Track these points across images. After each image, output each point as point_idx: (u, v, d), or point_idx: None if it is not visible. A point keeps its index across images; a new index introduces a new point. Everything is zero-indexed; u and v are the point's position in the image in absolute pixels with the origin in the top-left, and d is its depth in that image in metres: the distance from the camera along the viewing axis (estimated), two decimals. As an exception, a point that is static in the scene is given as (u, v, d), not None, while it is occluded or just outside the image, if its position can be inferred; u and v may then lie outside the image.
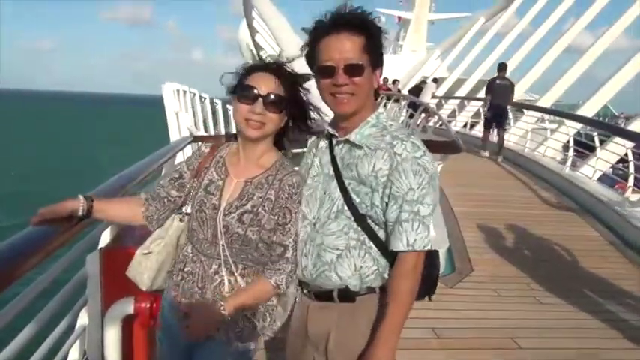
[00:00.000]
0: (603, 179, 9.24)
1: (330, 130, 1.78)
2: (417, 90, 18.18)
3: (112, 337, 2.15)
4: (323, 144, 1.81)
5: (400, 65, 34.31)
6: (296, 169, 1.83)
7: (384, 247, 1.68)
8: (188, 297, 1.81)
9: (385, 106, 15.88)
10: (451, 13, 46.22)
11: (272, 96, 1.70)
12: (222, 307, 1.69)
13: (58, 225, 1.75)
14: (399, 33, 45.76)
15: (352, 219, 1.66)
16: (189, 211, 1.87)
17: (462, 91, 23.08)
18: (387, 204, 1.62)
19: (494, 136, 12.45)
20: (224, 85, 1.80)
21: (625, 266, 5.58)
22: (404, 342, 3.45)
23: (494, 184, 9.54)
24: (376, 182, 1.62)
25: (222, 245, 1.74)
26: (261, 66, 1.78)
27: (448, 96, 22.13)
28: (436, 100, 20.19)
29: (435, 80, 20.20)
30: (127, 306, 2.09)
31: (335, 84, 1.63)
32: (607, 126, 12.83)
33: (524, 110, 13.82)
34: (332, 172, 1.72)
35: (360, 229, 1.67)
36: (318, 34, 1.67)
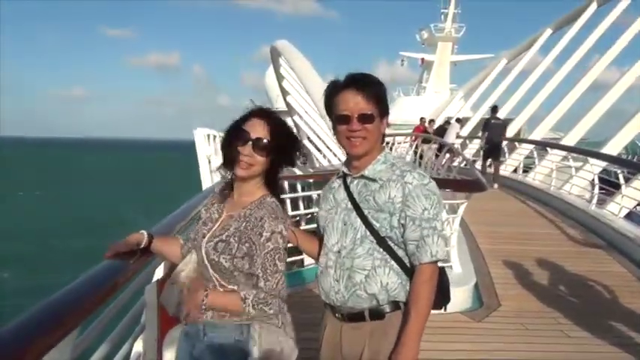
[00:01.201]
0: (630, 216, 9.27)
1: (344, 169, 2.10)
2: (441, 130, 18.40)
3: (171, 357, 2.38)
4: (336, 183, 2.13)
5: (424, 106, 34.72)
6: (271, 202, 2.00)
7: (403, 264, 1.96)
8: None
9: (416, 147, 15.98)
10: (473, 55, 46.71)
11: (263, 141, 1.93)
12: (203, 300, 1.89)
13: (127, 258, 2.04)
14: (422, 75, 46.39)
15: (375, 242, 1.95)
16: None
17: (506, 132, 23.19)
18: (403, 225, 1.92)
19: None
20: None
21: (653, 302, 5.62)
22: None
23: (521, 221, 9.65)
24: (393, 208, 1.92)
25: (209, 268, 1.96)
26: (256, 112, 2.01)
27: (472, 136, 22.31)
28: (460, 140, 20.42)
29: (459, 120, 20.41)
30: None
31: (350, 130, 1.96)
32: (631, 163, 12.94)
33: (549, 149, 13.96)
34: (350, 205, 2.01)
35: (382, 249, 1.95)
36: (335, 90, 2.01)
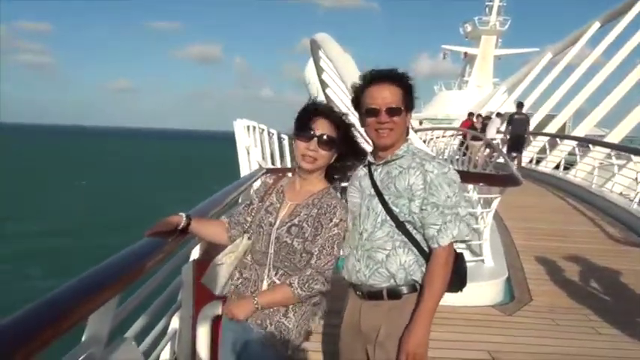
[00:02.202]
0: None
1: (370, 158, 2.22)
2: (482, 126, 18.17)
3: (204, 334, 2.54)
4: (362, 171, 2.26)
5: (465, 101, 34.30)
6: (337, 194, 2.21)
7: (420, 247, 2.09)
8: (242, 298, 2.16)
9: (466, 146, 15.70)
10: (518, 49, 45.72)
11: (325, 136, 2.11)
12: (255, 301, 2.06)
13: (165, 237, 2.19)
14: (464, 69, 45.75)
15: (394, 225, 2.08)
16: None
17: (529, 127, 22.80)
18: (423, 211, 2.03)
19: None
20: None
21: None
22: (460, 362, 3.72)
23: (559, 218, 9.52)
24: (412, 194, 2.05)
25: (271, 254, 2.12)
26: (318, 110, 2.19)
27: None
28: (501, 135, 20.12)
29: (500, 115, 20.09)
30: (217, 307, 2.48)
31: (378, 122, 2.08)
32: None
33: (591, 146, 13.67)
34: (373, 192, 2.14)
35: (401, 232, 2.08)
36: (364, 85, 2.15)
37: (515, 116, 15.07)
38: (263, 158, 13.12)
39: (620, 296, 5.60)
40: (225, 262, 2.25)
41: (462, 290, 2.22)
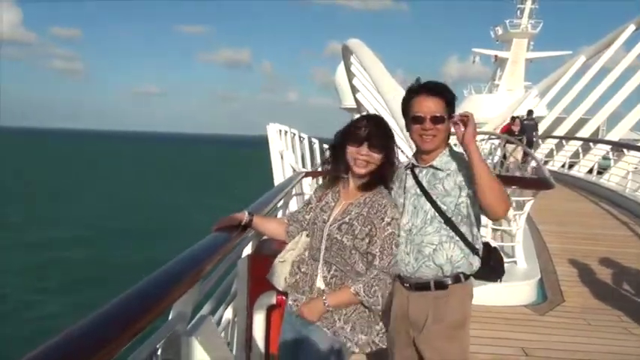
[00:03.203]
0: None
1: (413, 161, 2.44)
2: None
3: (260, 322, 2.77)
4: (403, 173, 2.46)
5: (495, 105, 34.05)
6: (388, 193, 2.37)
7: (466, 240, 2.30)
8: (300, 292, 2.37)
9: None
10: (550, 52, 45.13)
11: (374, 140, 2.27)
12: (325, 301, 2.23)
13: (230, 232, 2.45)
14: (495, 72, 45.36)
15: (442, 222, 2.29)
16: None
17: (561, 130, 22.61)
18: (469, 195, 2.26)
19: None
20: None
21: None
22: (495, 357, 3.90)
23: (592, 222, 9.57)
24: (459, 189, 2.28)
25: (323, 250, 2.30)
26: (367, 118, 2.39)
27: (547, 135, 21.78)
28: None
29: (517, 118, 19.88)
30: (271, 297, 2.72)
31: (423, 129, 2.30)
32: None
33: (625, 150, 13.57)
34: (419, 192, 2.35)
35: (448, 228, 2.29)
36: (411, 94, 2.37)
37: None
38: (296, 162, 13.40)
39: (652, 298, 5.67)
40: (287, 259, 2.44)
41: (500, 280, 2.42)
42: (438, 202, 2.30)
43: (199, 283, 1.97)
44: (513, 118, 18.25)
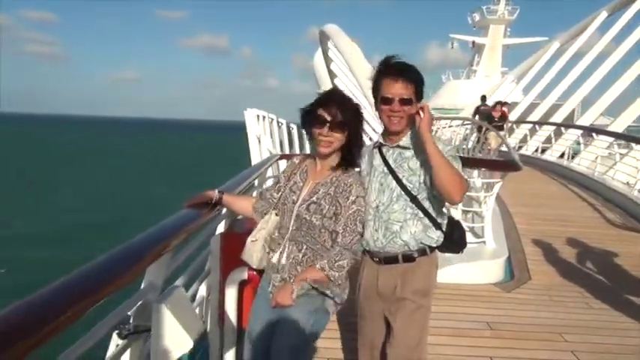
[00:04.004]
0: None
1: (381, 140, 2.53)
2: (487, 115, 18.35)
3: (231, 296, 2.86)
4: (372, 151, 2.56)
5: (473, 90, 34.38)
6: (355, 172, 2.46)
7: (430, 215, 2.41)
8: (274, 270, 2.45)
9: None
10: (527, 38, 45.64)
11: (335, 121, 2.33)
12: (293, 285, 2.30)
13: (200, 209, 2.54)
14: (473, 58, 45.77)
15: (408, 200, 2.40)
16: None
17: (535, 116, 23.00)
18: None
19: None
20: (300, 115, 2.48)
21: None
22: (459, 331, 4.09)
23: (561, 204, 9.85)
24: (423, 169, 2.37)
25: (292, 230, 2.38)
26: (328, 98, 2.43)
27: (520, 120, 22.13)
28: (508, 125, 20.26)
29: (504, 104, 20.16)
30: (242, 273, 2.81)
31: (391, 110, 2.38)
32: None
33: (594, 135, 13.92)
34: (386, 170, 2.45)
35: (414, 205, 2.40)
36: (381, 75, 2.42)
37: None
38: (273, 146, 13.47)
39: (615, 276, 5.88)
40: (258, 238, 2.50)
41: (461, 251, 2.55)
42: (404, 181, 2.40)
43: (169, 255, 2.06)
44: (495, 104, 18.25)
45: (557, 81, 24.12)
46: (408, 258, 2.45)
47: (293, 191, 2.46)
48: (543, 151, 17.57)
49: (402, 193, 2.41)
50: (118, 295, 1.63)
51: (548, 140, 17.61)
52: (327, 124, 2.32)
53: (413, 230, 2.41)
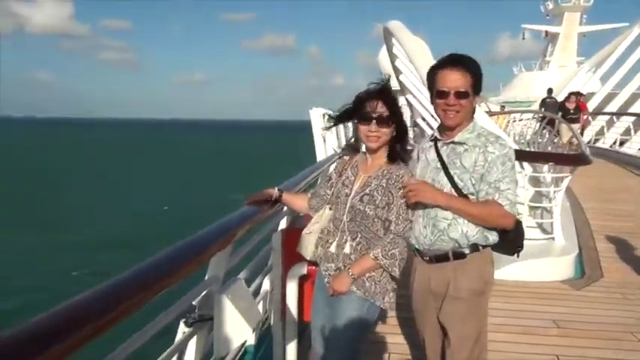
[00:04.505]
0: None
1: (437, 134, 2.50)
2: (559, 107, 17.63)
3: (292, 291, 2.99)
4: (427, 145, 2.55)
5: (547, 82, 33.08)
6: (405, 165, 2.51)
7: None
8: (330, 261, 2.54)
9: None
10: (605, 25, 43.25)
11: (382, 116, 2.40)
12: (350, 273, 2.40)
13: (261, 206, 2.68)
14: (546, 48, 43.98)
15: (457, 197, 2.36)
16: None
17: (613, 106, 21.84)
18: (480, 181, 2.32)
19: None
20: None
21: None
22: (525, 329, 4.03)
23: (638, 199, 9.34)
24: (475, 170, 2.33)
25: (346, 221, 2.47)
26: (372, 94, 2.46)
27: (597, 112, 21.11)
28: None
29: (579, 94, 19.32)
30: (303, 268, 2.93)
31: (447, 104, 2.34)
32: None
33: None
34: (439, 166, 2.42)
35: None
36: (437, 67, 2.41)
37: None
38: (339, 145, 13.57)
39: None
40: (313, 231, 2.63)
41: (518, 255, 2.50)
42: (456, 178, 2.36)
43: (231, 247, 2.20)
44: (569, 95, 17.19)
45: (638, 68, 22.76)
46: (459, 255, 2.40)
47: (345, 185, 2.55)
48: (622, 143, 16.70)
49: (452, 190, 2.37)
50: (184, 285, 1.78)
51: (627, 132, 16.72)
52: (374, 120, 2.39)
53: (464, 229, 2.36)
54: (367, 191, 2.44)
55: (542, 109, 15.72)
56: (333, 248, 2.52)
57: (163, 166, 49.54)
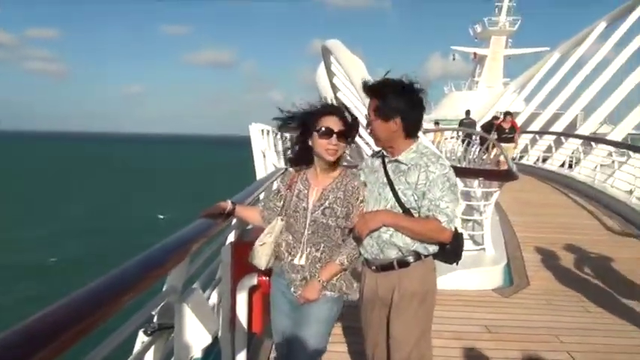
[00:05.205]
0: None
1: (384, 152, 2.70)
2: (488, 126, 18.50)
3: (242, 302, 3.08)
4: (377, 162, 2.74)
5: (475, 101, 34.57)
6: (356, 174, 2.72)
7: None
8: (295, 271, 2.68)
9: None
10: (528, 48, 45.82)
11: (341, 132, 2.56)
12: (319, 280, 2.57)
13: (215, 218, 2.76)
14: (474, 69, 45.99)
15: (400, 211, 2.56)
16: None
17: (536, 125, 23.16)
18: (421, 198, 2.53)
19: None
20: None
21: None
22: (458, 335, 4.27)
23: (561, 212, 10.03)
24: (416, 188, 2.53)
25: (308, 234, 2.61)
26: (329, 109, 2.64)
27: (522, 131, 22.29)
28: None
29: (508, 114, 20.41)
30: (253, 279, 3.03)
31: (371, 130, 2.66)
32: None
33: (593, 144, 14.11)
34: (386, 181, 2.62)
35: None
36: (367, 93, 2.67)
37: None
38: (278, 161, 13.68)
39: (612, 281, 6.01)
40: (266, 242, 2.74)
41: (455, 262, 2.69)
42: (400, 194, 2.55)
43: (188, 260, 2.28)
44: (505, 115, 17.44)
45: (558, 90, 24.27)
46: (403, 263, 2.59)
47: (301, 199, 2.66)
48: (544, 160, 17.73)
49: (396, 204, 2.56)
50: (142, 297, 1.84)
51: (549, 150, 17.77)
52: (335, 135, 2.54)
53: (406, 240, 2.55)
54: (327, 204, 2.59)
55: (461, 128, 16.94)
56: (297, 260, 2.64)
57: (87, 182, 47.78)
